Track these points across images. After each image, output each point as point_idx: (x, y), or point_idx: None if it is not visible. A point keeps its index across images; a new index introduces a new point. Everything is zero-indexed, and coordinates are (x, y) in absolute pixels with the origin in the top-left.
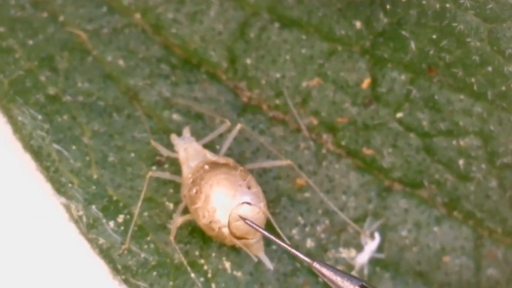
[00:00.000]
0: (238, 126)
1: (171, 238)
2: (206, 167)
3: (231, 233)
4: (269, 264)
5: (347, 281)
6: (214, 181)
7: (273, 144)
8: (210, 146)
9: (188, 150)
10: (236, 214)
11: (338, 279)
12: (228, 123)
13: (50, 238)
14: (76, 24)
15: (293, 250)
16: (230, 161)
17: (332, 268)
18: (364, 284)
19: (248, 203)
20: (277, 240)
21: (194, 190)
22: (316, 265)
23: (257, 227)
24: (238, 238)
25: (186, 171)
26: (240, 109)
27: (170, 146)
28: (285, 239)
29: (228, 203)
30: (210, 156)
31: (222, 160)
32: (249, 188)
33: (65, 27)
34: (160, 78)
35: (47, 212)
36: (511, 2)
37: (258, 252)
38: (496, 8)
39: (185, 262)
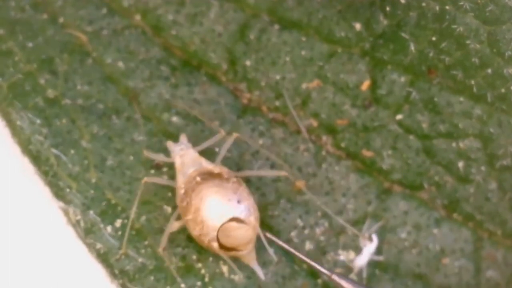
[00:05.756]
0: (234, 135)
1: (160, 249)
2: (198, 178)
3: (221, 246)
4: (261, 274)
5: None
6: (205, 194)
7: (273, 146)
8: (208, 150)
9: (184, 158)
10: (224, 230)
11: None
12: (222, 133)
13: (49, 241)
14: (76, 26)
15: (312, 262)
16: (224, 170)
17: (351, 280)
18: None
19: (238, 219)
20: (295, 252)
21: (185, 202)
22: (335, 277)
23: (280, 242)
24: (229, 249)
25: (181, 180)
26: (240, 111)
27: (167, 150)
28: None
29: (217, 218)
30: (205, 164)
31: (217, 169)
32: (239, 201)
33: (65, 28)
34: (160, 80)
35: (47, 215)
36: (510, 5)
37: (250, 262)
38: (496, 10)
39: (174, 272)
